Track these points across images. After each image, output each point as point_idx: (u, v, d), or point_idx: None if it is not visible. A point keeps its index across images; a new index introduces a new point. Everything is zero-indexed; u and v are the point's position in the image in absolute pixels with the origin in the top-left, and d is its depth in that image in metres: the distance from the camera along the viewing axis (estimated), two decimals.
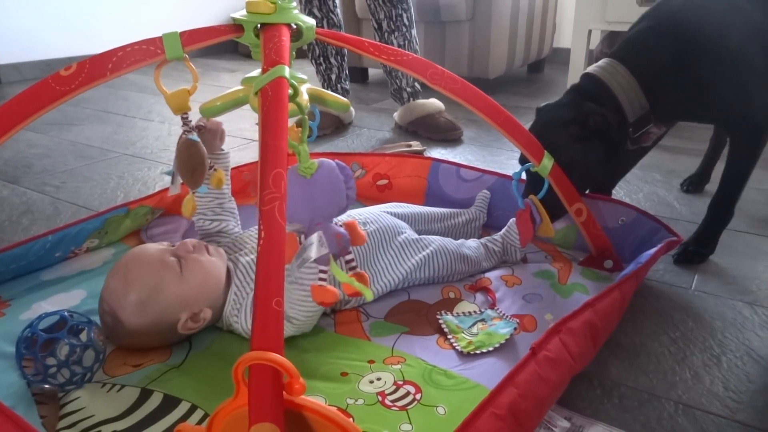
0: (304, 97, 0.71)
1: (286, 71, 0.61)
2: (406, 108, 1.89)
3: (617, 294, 0.78)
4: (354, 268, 0.65)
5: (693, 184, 1.42)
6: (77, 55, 3.11)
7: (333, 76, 1.97)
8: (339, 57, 1.96)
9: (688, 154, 1.69)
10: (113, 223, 1.04)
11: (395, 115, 1.97)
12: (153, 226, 1.12)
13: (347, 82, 2.04)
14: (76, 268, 0.99)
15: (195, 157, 0.80)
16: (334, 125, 1.93)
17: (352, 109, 2.05)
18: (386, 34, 1.84)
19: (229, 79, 2.92)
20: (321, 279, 0.62)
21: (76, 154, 1.72)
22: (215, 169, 0.89)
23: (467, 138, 1.86)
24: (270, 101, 0.58)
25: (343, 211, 0.67)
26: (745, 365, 0.79)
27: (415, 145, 1.68)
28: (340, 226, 0.65)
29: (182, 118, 0.81)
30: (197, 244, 0.81)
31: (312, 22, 0.76)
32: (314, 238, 0.62)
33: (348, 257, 0.65)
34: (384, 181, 1.29)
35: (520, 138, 0.90)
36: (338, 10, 1.90)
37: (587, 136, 0.95)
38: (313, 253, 0.61)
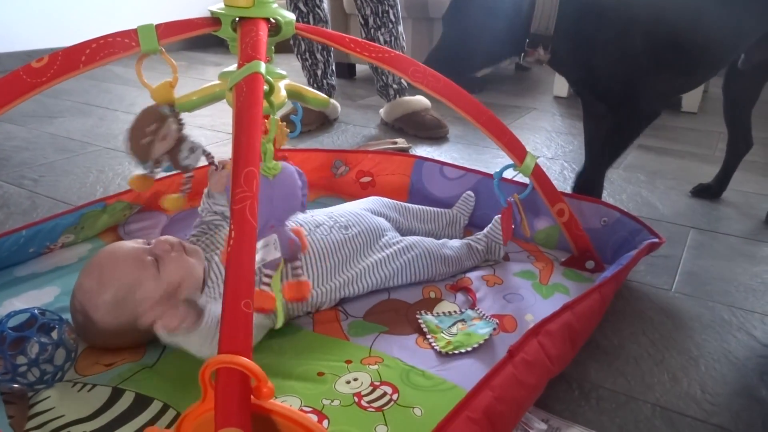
0: (282, 94, 0.70)
1: (262, 67, 0.60)
2: (392, 105, 1.88)
3: (597, 296, 0.78)
4: (299, 275, 0.64)
5: (709, 192, 1.39)
6: (59, 46, 3.06)
7: (319, 72, 1.96)
8: (325, 52, 1.94)
9: (672, 155, 1.70)
10: (90, 218, 1.02)
11: (381, 111, 1.96)
12: (131, 222, 1.10)
13: (333, 78, 2.02)
14: (50, 264, 0.97)
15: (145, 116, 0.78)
16: (319, 121, 1.92)
17: (337, 105, 2.03)
18: (372, 30, 1.83)
19: (215, 72, 2.88)
20: (264, 284, 0.60)
21: (56, 147, 1.69)
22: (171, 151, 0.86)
23: (453, 136, 1.86)
24: (244, 98, 0.57)
25: (292, 214, 0.66)
26: (722, 368, 0.79)
27: (401, 142, 1.68)
28: (289, 229, 0.64)
29: (169, 111, 0.80)
30: (175, 243, 0.79)
31: (291, 16, 0.74)
32: (270, 240, 0.61)
33: (296, 263, 0.64)
34: (367, 179, 1.28)
35: (503, 138, 0.89)
36: (325, 5, 1.88)
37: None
38: (268, 256, 0.59)
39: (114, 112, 2.09)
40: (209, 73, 2.89)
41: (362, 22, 1.85)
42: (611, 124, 1.10)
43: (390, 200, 1.07)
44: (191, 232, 0.90)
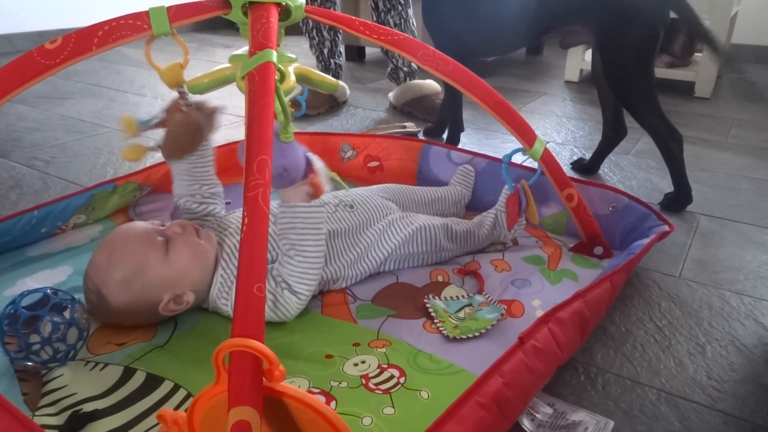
0: (291, 79, 0.70)
1: (274, 56, 0.60)
2: (401, 88, 1.87)
3: (608, 285, 0.78)
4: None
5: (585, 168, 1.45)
6: (70, 27, 3.07)
7: (326, 51, 1.95)
8: (332, 32, 1.93)
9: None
10: (100, 199, 1.03)
11: (390, 95, 1.95)
12: (141, 204, 1.11)
13: (341, 58, 2.01)
14: (62, 244, 0.98)
15: (188, 133, 0.80)
16: (328, 104, 1.91)
17: (347, 88, 2.02)
18: (382, 14, 1.81)
19: (224, 55, 2.88)
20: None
21: (67, 128, 1.70)
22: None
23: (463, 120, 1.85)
24: (257, 87, 0.57)
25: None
26: (729, 354, 0.79)
27: (410, 126, 1.67)
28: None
29: (179, 92, 0.80)
30: (187, 226, 0.80)
31: (301, 0, 0.74)
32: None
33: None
34: (375, 163, 1.28)
35: (512, 122, 0.89)
36: None
37: None
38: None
39: (125, 93, 2.10)
40: (219, 55, 2.88)
41: (372, 5, 1.83)
42: None
43: (395, 185, 1.07)
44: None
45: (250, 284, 0.46)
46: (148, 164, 1.40)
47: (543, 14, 1.23)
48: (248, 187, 0.50)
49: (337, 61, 1.99)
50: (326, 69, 2.00)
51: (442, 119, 1.64)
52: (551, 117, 1.94)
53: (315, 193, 0.78)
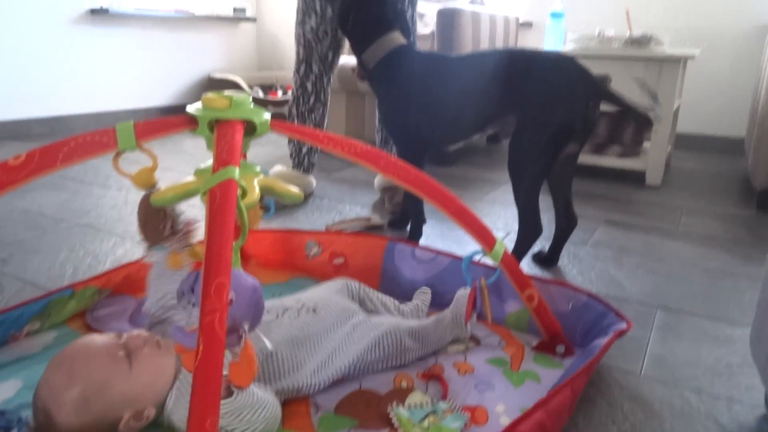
0: (255, 192, 0.72)
1: (236, 173, 0.62)
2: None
3: (568, 392, 0.78)
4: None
5: (545, 261, 1.49)
6: (37, 117, 3.09)
7: (304, 149, 1.98)
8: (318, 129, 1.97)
9: (638, 230, 1.75)
10: (57, 305, 1.01)
11: (375, 179, 2.02)
12: (99, 307, 1.09)
13: (316, 156, 2.05)
14: (13, 354, 0.95)
15: (147, 207, 0.81)
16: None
17: (313, 180, 2.06)
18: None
19: (193, 143, 2.92)
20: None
21: (27, 223, 1.67)
22: (172, 229, 0.87)
23: (428, 209, 1.89)
24: (217, 205, 0.58)
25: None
26: None
27: (374, 219, 1.70)
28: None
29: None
30: (149, 338, 0.78)
31: (267, 116, 0.77)
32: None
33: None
34: (340, 260, 1.29)
35: (473, 226, 0.92)
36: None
37: None
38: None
39: (89, 186, 2.09)
40: (186, 144, 2.91)
41: None
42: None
43: (357, 284, 1.08)
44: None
45: (203, 418, 0.45)
46: (108, 264, 1.38)
47: (482, 106, 1.33)
48: (204, 312, 0.50)
49: (311, 160, 2.03)
50: (299, 166, 2.01)
51: (406, 211, 1.68)
52: (512, 207, 1.99)
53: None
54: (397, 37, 1.48)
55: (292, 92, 1.95)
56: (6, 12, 2.90)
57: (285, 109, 3.78)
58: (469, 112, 1.35)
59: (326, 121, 1.99)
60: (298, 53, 1.89)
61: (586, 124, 1.26)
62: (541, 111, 1.24)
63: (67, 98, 3.23)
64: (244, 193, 0.63)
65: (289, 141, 2.01)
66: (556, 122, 1.23)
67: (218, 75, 3.85)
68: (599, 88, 1.25)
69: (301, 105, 1.93)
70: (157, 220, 0.84)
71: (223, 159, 0.64)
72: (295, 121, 1.94)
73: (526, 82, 1.25)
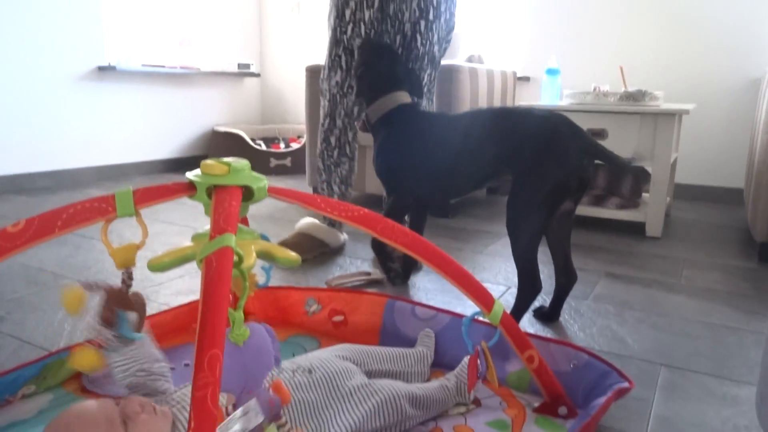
0: (252, 258, 0.72)
1: (233, 240, 0.62)
2: None
3: None
4: (288, 431, 0.64)
5: (546, 316, 1.47)
6: (41, 171, 3.13)
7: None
8: (343, 186, 1.98)
9: (639, 284, 1.74)
10: (53, 368, 1.00)
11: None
12: None
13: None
14: (7, 418, 0.93)
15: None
16: (317, 250, 1.93)
17: (342, 234, 2.04)
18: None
19: (186, 208, 2.93)
20: None
21: (27, 279, 1.67)
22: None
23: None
24: (213, 273, 0.58)
25: (268, 372, 0.66)
26: None
27: (374, 273, 1.70)
28: (268, 388, 0.64)
29: (126, 273, 0.81)
30: (146, 404, 0.77)
31: (264, 182, 0.78)
32: (250, 405, 0.60)
33: (280, 422, 0.64)
34: (340, 317, 1.28)
35: (470, 288, 0.92)
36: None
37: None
38: (250, 424, 0.59)
39: (90, 240, 2.10)
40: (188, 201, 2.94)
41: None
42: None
43: (357, 345, 1.07)
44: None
45: None
46: None
47: (478, 164, 1.36)
48: (197, 386, 0.50)
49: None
50: (326, 218, 2.00)
51: (408, 266, 1.68)
52: (512, 260, 1.99)
53: None
54: (403, 96, 1.53)
55: (318, 146, 1.97)
56: (18, 68, 2.98)
57: (287, 161, 3.83)
58: (465, 169, 1.38)
59: (354, 175, 2.00)
60: (323, 107, 1.93)
61: (581, 182, 1.28)
62: (536, 169, 1.26)
63: (72, 152, 3.28)
64: (240, 260, 0.63)
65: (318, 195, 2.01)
66: (551, 180, 1.24)
67: (222, 128, 3.92)
68: (592, 146, 1.27)
69: (326, 159, 1.95)
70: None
71: (220, 226, 0.65)
72: (322, 175, 1.97)
73: (520, 141, 1.28)
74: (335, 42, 1.84)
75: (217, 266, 0.60)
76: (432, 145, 1.43)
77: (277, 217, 2.56)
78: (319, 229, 1.95)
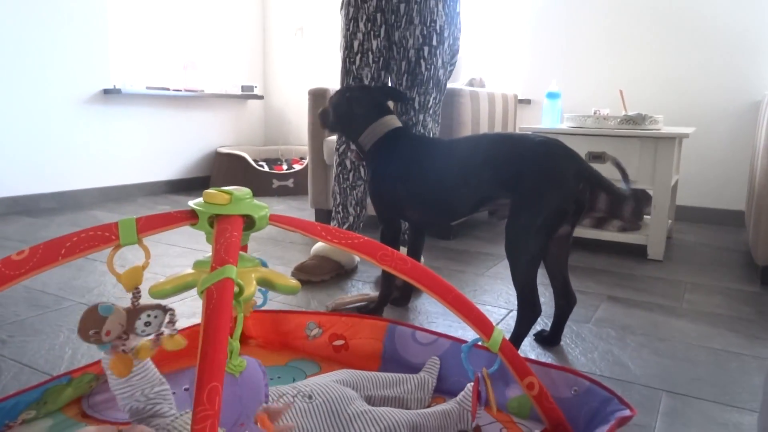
0: (252, 286, 0.73)
1: (234, 272, 0.63)
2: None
3: None
4: None
5: (547, 340, 1.47)
6: (42, 193, 3.15)
7: (345, 226, 2.02)
8: (358, 207, 2.02)
9: (641, 308, 1.74)
10: (54, 393, 1.00)
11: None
12: (95, 393, 1.07)
13: (358, 232, 2.08)
14: None
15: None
16: (334, 272, 1.96)
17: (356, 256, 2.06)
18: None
19: (187, 230, 2.95)
20: None
21: (29, 302, 1.68)
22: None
23: None
24: (214, 305, 0.59)
25: (259, 407, 0.66)
26: None
27: (374, 295, 1.70)
28: (256, 421, 0.64)
29: (133, 294, 0.82)
30: None
31: (265, 210, 0.79)
32: None
33: None
34: (340, 342, 1.28)
35: (470, 315, 0.92)
36: None
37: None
38: None
39: (93, 262, 2.11)
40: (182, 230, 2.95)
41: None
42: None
43: (357, 371, 1.07)
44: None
45: None
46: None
47: (473, 189, 1.37)
48: (196, 419, 0.50)
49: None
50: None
51: (407, 289, 1.68)
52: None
53: None
54: (393, 120, 1.54)
55: (334, 169, 2.02)
56: (24, 90, 3.02)
57: (290, 182, 3.85)
58: (459, 194, 1.39)
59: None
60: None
61: (578, 206, 1.29)
62: (533, 194, 1.27)
63: (76, 173, 3.31)
64: (241, 291, 0.64)
65: (333, 217, 2.05)
66: (548, 205, 1.25)
67: (225, 150, 3.95)
68: (588, 172, 1.28)
69: (342, 181, 1.99)
70: (89, 335, 0.82)
71: (221, 257, 0.66)
72: (338, 198, 2.01)
73: (518, 166, 1.29)
74: (346, 72, 1.93)
75: (217, 298, 0.60)
76: (428, 168, 1.44)
77: (279, 239, 2.57)
78: (334, 251, 1.98)
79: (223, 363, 0.55)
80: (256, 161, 3.95)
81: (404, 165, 1.48)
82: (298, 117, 4.41)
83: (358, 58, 1.89)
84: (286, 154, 4.25)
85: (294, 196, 3.86)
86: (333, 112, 1.63)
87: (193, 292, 1.77)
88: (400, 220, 1.57)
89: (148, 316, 0.83)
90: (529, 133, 1.43)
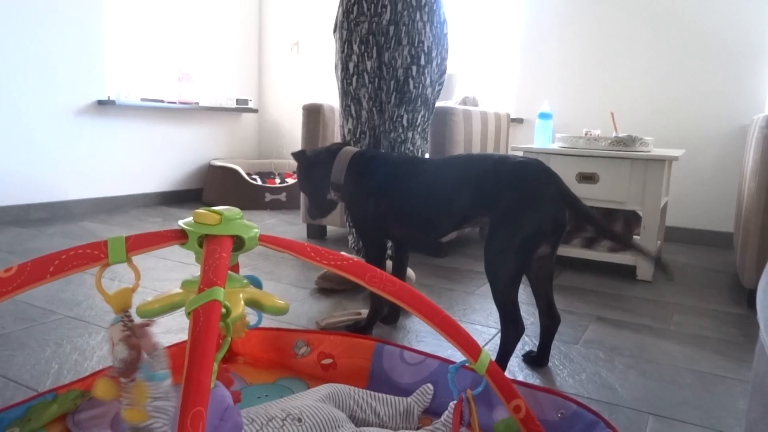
0: (239, 307, 0.73)
1: (221, 295, 0.63)
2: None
3: None
4: None
5: (534, 361, 1.48)
6: (36, 203, 3.14)
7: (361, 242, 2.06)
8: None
9: (629, 329, 1.75)
10: (38, 410, 0.99)
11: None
12: (80, 410, 1.06)
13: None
14: None
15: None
16: (350, 283, 1.99)
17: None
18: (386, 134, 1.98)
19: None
20: None
21: (16, 315, 1.66)
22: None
23: None
24: (201, 328, 0.59)
25: None
26: None
27: (365, 314, 1.70)
28: None
29: (124, 316, 0.81)
30: None
31: (255, 231, 0.80)
32: None
33: None
34: (328, 360, 1.28)
35: (457, 337, 0.92)
36: None
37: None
38: None
39: (80, 275, 2.10)
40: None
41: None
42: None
43: (346, 387, 1.07)
44: None
45: None
46: (96, 360, 1.37)
47: (451, 208, 1.39)
48: None
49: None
50: (358, 252, 2.07)
51: (395, 306, 1.69)
52: None
53: None
54: (351, 148, 1.60)
55: None
56: (18, 100, 3.02)
57: (282, 196, 3.85)
58: (437, 212, 1.41)
59: None
60: None
61: (556, 227, 1.30)
62: (511, 214, 1.28)
63: (68, 184, 3.30)
64: (228, 313, 0.64)
65: (350, 232, 2.08)
66: (524, 225, 1.26)
67: (218, 162, 3.96)
68: (565, 193, 1.29)
69: None
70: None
71: (209, 279, 0.66)
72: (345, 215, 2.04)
73: (497, 186, 1.30)
74: (344, 93, 1.99)
75: (204, 320, 0.60)
76: (410, 183, 1.46)
77: (269, 254, 2.56)
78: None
79: (207, 387, 0.55)
80: (249, 174, 3.96)
81: (382, 181, 1.50)
82: (292, 131, 4.43)
83: (354, 79, 1.95)
84: (279, 168, 4.26)
85: (286, 210, 3.86)
86: (306, 185, 1.66)
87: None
88: (385, 240, 1.59)
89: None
90: (510, 154, 1.45)
